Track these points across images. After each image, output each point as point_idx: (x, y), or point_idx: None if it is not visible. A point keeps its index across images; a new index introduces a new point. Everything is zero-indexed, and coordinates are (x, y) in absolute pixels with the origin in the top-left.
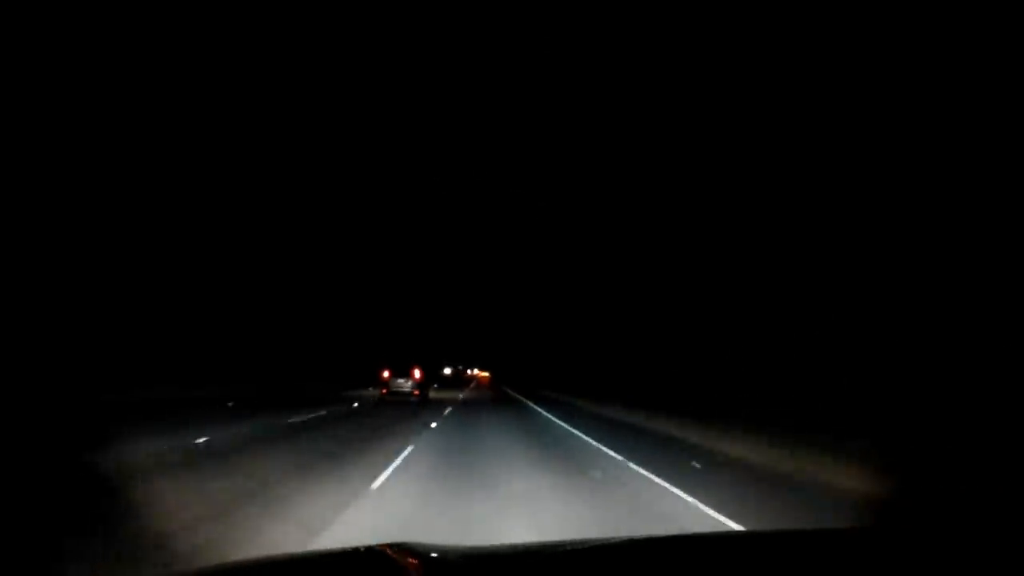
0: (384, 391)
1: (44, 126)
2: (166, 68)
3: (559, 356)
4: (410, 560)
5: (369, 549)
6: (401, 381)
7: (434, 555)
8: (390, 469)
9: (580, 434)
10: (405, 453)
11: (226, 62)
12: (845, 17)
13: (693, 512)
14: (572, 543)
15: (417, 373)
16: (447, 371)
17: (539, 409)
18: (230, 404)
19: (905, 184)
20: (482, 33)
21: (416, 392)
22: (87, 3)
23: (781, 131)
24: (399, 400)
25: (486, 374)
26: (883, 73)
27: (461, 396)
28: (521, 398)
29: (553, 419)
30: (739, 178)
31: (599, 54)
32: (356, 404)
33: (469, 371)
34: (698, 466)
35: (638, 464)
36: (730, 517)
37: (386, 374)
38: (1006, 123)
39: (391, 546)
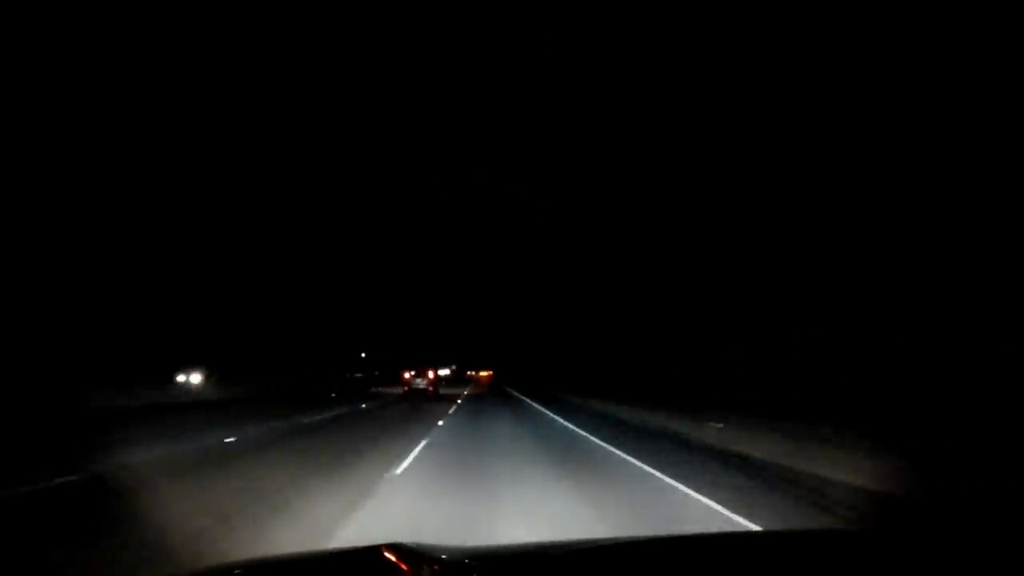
0: (406, 388)
1: (43, 127)
2: (166, 68)
3: (561, 356)
4: (410, 560)
5: (369, 549)
6: (419, 381)
7: (434, 555)
8: None
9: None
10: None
11: (227, 63)
12: (845, 17)
13: None
14: (574, 543)
15: (431, 374)
16: (432, 373)
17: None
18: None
19: (909, 181)
20: (482, 34)
21: (430, 389)
22: (87, 4)
23: (781, 131)
24: (417, 396)
25: (485, 373)
26: (883, 73)
27: (460, 397)
28: (527, 400)
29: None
30: (739, 178)
31: (599, 54)
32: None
33: (470, 372)
34: None
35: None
36: None
37: (407, 375)
38: (1006, 123)
39: (391, 546)
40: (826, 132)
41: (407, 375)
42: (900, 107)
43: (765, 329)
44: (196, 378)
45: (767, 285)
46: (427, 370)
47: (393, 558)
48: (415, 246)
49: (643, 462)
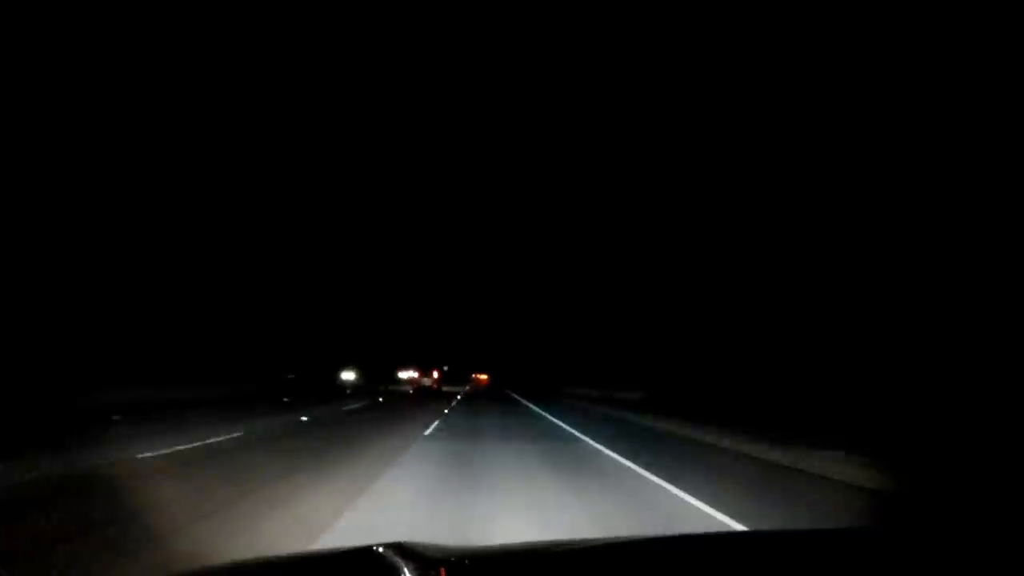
0: (415, 385)
1: (38, 126)
2: (166, 68)
3: (559, 359)
4: (410, 560)
5: (370, 549)
6: (426, 379)
7: (434, 555)
8: None
9: None
10: None
11: (226, 62)
12: (844, 17)
13: None
14: (573, 543)
15: (436, 374)
16: (437, 373)
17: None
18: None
19: (903, 184)
20: (483, 35)
21: (434, 386)
22: (87, 3)
23: (780, 131)
24: (424, 391)
25: (483, 376)
26: (883, 73)
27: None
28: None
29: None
30: (738, 178)
31: (598, 55)
32: None
33: (473, 373)
34: None
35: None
36: None
37: (415, 375)
38: (1005, 124)
39: (391, 546)
40: (827, 132)
41: (415, 375)
42: (900, 107)
43: (761, 331)
44: None
45: (765, 287)
46: (432, 371)
47: (394, 558)
48: (414, 249)
49: None
